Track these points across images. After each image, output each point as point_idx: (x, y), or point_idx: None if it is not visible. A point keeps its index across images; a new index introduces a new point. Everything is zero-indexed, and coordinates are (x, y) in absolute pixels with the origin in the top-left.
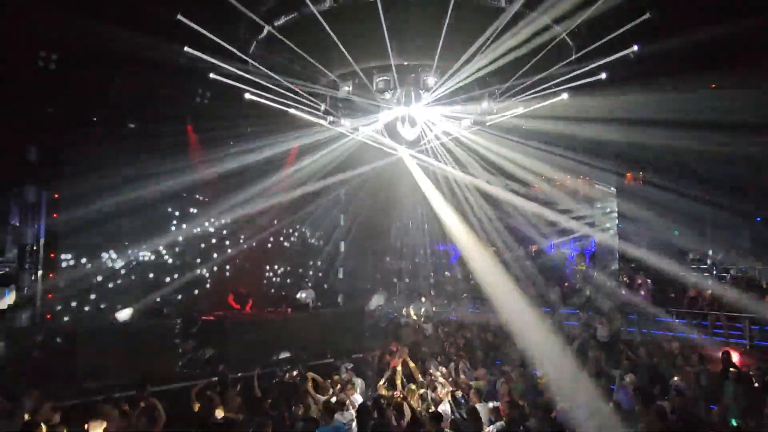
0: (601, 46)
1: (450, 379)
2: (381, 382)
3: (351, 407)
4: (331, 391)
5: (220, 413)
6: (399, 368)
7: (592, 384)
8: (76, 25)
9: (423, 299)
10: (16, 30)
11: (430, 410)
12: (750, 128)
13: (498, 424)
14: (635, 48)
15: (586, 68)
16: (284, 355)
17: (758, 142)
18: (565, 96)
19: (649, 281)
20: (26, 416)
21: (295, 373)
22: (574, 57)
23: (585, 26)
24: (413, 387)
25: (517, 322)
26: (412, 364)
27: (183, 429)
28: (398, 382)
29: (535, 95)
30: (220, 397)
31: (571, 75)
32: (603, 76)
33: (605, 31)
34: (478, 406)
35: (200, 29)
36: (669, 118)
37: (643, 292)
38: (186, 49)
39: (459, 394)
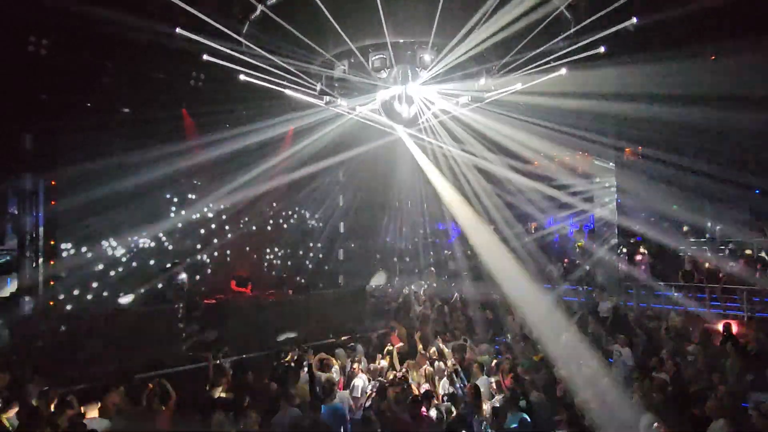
0: (600, 19)
1: (454, 355)
2: (379, 362)
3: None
4: (334, 370)
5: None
6: (397, 347)
7: (592, 355)
8: (66, 8)
9: (423, 278)
10: (5, 14)
11: (421, 389)
12: (749, 100)
13: (500, 396)
14: (634, 20)
15: (585, 42)
16: (288, 335)
17: (757, 115)
18: (563, 71)
19: (647, 255)
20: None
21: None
22: (572, 30)
23: None
24: (411, 364)
25: (518, 298)
26: (414, 343)
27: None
28: (395, 360)
29: (533, 70)
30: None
31: (570, 49)
32: (602, 49)
33: (604, 4)
34: (480, 380)
35: (192, 10)
36: (668, 92)
37: (642, 267)
38: (178, 30)
39: (460, 369)
